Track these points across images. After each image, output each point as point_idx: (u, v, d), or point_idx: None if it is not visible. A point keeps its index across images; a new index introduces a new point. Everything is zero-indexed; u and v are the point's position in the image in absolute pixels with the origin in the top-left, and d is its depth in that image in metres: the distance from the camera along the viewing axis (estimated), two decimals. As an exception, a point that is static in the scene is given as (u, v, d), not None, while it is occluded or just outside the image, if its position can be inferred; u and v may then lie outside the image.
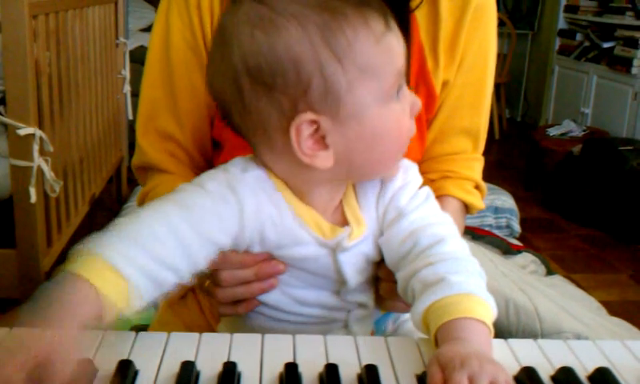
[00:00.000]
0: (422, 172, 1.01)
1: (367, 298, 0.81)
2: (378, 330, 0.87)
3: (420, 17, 0.97)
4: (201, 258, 0.70)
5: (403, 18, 0.94)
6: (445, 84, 1.00)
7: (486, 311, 0.66)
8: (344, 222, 0.76)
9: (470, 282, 0.68)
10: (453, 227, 0.77)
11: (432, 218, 0.77)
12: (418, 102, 0.74)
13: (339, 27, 0.67)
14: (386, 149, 0.72)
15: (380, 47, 0.68)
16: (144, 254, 0.65)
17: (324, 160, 0.70)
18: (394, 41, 0.70)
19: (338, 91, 0.67)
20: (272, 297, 0.79)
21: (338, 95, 0.68)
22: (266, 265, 0.77)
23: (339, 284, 0.78)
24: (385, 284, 0.79)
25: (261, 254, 0.76)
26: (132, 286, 0.63)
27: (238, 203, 0.72)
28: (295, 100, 0.68)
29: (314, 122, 0.68)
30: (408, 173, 0.79)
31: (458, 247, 0.74)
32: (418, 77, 0.97)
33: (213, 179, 0.73)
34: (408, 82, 0.95)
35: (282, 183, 0.74)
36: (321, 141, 0.70)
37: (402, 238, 0.75)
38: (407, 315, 0.90)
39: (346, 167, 0.72)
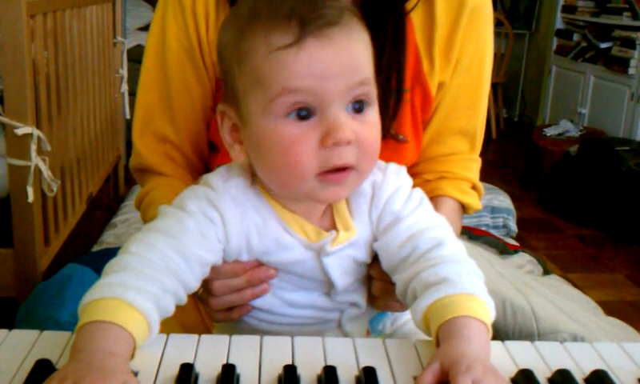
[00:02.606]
0: (419, 173, 1.02)
1: (359, 298, 0.81)
2: (373, 330, 0.88)
3: (415, 18, 0.97)
4: (193, 281, 0.72)
5: (398, 20, 0.95)
6: (440, 85, 1.00)
7: (487, 313, 0.67)
8: (332, 227, 0.77)
9: (471, 283, 0.69)
10: (449, 229, 0.78)
11: (428, 222, 0.77)
12: (335, 133, 0.67)
13: (247, 32, 0.70)
14: (271, 165, 0.71)
15: (269, 60, 0.68)
16: (148, 283, 0.67)
17: (237, 153, 0.75)
18: (295, 58, 0.66)
19: (237, 93, 0.72)
20: (263, 300, 0.80)
21: (237, 97, 0.72)
22: (257, 271, 0.78)
23: (328, 286, 0.79)
24: (378, 283, 0.80)
25: (250, 262, 0.78)
26: (147, 320, 0.65)
27: (220, 217, 0.74)
28: (224, 89, 0.76)
29: (226, 113, 0.74)
30: (399, 176, 0.79)
31: (457, 250, 0.74)
32: (413, 78, 0.97)
33: (193, 197, 0.75)
34: (403, 84, 0.95)
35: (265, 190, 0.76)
36: (238, 135, 0.75)
37: (400, 242, 0.75)
38: (405, 317, 0.91)
39: (259, 173, 0.74)
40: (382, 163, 0.80)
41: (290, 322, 0.80)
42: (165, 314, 0.68)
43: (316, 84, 0.67)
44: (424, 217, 0.77)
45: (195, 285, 0.73)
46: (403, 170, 0.81)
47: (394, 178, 0.78)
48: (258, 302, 0.80)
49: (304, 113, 0.68)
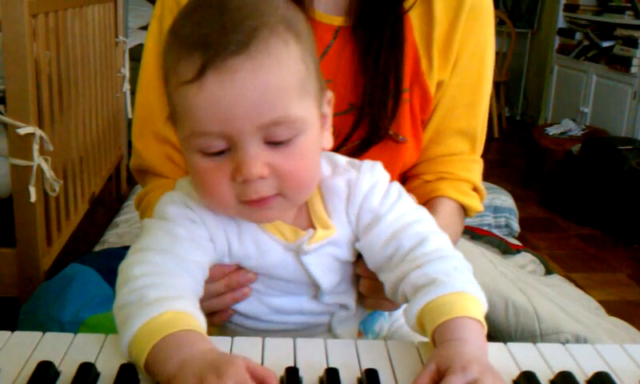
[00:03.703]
0: (419, 173, 1.01)
1: (348, 299, 0.81)
2: (366, 331, 0.87)
3: (414, 17, 0.96)
4: (198, 288, 0.71)
5: (396, 20, 0.94)
6: (439, 84, 0.99)
7: (479, 308, 0.67)
8: (310, 226, 0.76)
9: (460, 279, 0.68)
10: (431, 222, 0.77)
11: (409, 217, 0.76)
12: (243, 171, 0.65)
13: (165, 54, 0.69)
14: (198, 191, 0.72)
15: (178, 94, 0.66)
16: (179, 291, 0.66)
17: None
18: (196, 98, 0.64)
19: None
20: (251, 308, 0.79)
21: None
22: (236, 274, 0.77)
23: (314, 288, 0.78)
24: (365, 281, 0.79)
25: (229, 265, 0.77)
26: (200, 321, 0.65)
27: (201, 220, 0.73)
28: None
29: None
30: (374, 172, 0.77)
31: (441, 243, 0.74)
32: (412, 78, 0.96)
33: (171, 204, 0.74)
34: (401, 84, 0.94)
35: None
36: None
37: (383, 241, 0.74)
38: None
39: None
40: (355, 160, 0.79)
41: (279, 329, 0.79)
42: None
43: (221, 127, 0.64)
44: (404, 212, 0.76)
45: (200, 290, 0.71)
46: (378, 165, 0.78)
47: (369, 175, 0.77)
48: (244, 309, 0.79)
49: (214, 150, 0.67)
